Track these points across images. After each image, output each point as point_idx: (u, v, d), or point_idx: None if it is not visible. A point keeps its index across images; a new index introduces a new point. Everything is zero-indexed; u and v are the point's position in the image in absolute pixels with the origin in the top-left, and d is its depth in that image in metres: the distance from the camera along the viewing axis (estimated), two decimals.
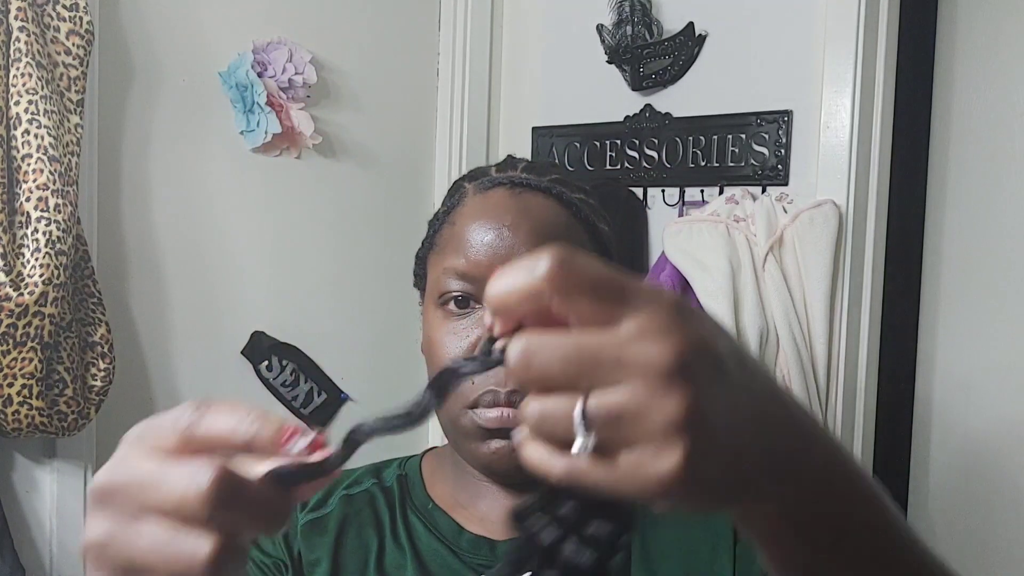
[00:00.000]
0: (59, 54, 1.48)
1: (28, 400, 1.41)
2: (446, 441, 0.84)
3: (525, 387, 0.39)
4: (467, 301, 0.77)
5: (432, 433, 2.04)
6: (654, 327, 0.37)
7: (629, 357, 0.37)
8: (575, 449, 0.37)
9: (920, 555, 0.48)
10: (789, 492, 0.42)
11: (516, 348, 0.38)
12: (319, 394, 1.93)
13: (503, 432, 0.74)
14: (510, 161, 0.85)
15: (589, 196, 0.84)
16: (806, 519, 0.43)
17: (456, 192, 0.84)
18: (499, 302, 0.40)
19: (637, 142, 1.95)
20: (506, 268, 0.40)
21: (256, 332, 1.85)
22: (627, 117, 1.96)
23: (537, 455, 0.39)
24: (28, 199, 1.41)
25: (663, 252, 1.76)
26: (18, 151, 1.42)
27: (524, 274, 0.39)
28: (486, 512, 0.81)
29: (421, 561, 0.79)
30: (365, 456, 0.90)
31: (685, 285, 1.71)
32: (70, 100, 1.49)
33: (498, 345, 0.40)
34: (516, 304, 0.39)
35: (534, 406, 0.38)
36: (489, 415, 0.74)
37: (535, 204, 0.78)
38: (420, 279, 0.86)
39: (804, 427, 0.43)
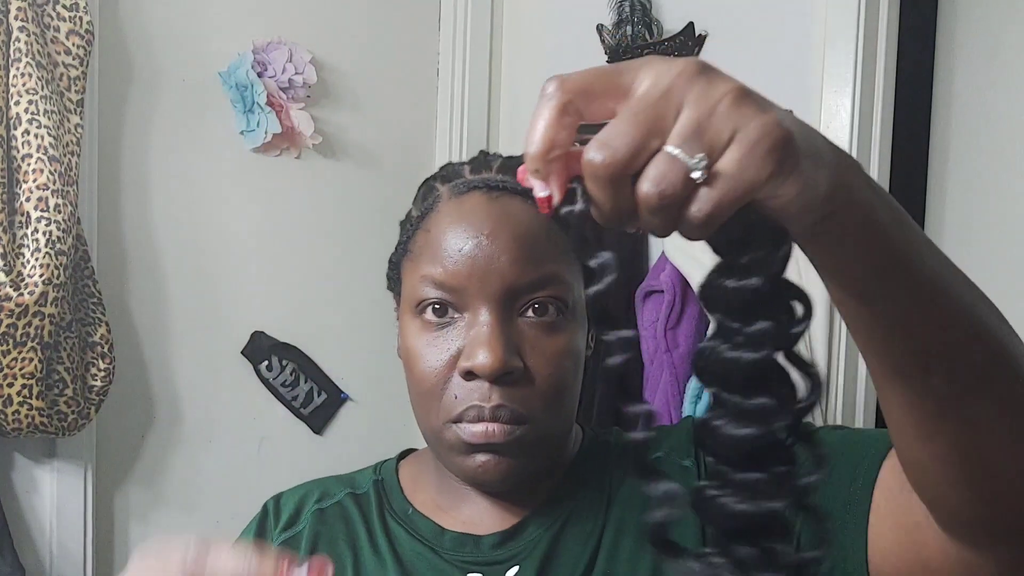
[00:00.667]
0: (59, 54, 1.48)
1: (28, 400, 1.41)
2: (425, 444, 0.83)
3: (625, 170, 0.41)
4: (445, 309, 0.75)
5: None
6: (659, 66, 0.42)
7: (668, 87, 0.41)
8: (696, 176, 0.40)
9: (965, 285, 0.52)
10: (856, 177, 0.46)
11: (592, 148, 0.42)
12: (319, 394, 1.93)
13: (488, 447, 0.73)
14: (483, 160, 0.82)
15: None
16: (872, 208, 0.47)
17: (429, 195, 0.80)
18: (544, 146, 0.43)
19: None
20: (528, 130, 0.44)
21: (256, 332, 1.85)
22: None
23: (683, 227, 0.43)
24: (28, 199, 1.41)
25: (663, 252, 1.76)
26: (18, 151, 1.42)
27: (543, 110, 0.43)
28: (470, 515, 0.80)
29: (402, 565, 0.78)
30: (358, 459, 0.89)
31: (685, 285, 1.71)
32: (70, 100, 1.49)
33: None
34: (557, 139, 0.43)
35: (645, 185, 0.41)
36: (474, 430, 0.73)
37: (513, 209, 0.75)
38: (395, 283, 0.84)
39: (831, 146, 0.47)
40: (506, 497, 0.80)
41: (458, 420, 0.74)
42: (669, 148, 0.41)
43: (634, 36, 1.88)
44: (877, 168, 1.67)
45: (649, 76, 0.42)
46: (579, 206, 0.43)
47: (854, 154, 1.65)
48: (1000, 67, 1.69)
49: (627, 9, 1.88)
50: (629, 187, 0.42)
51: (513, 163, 0.80)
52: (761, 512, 0.46)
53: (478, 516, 0.80)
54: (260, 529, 0.85)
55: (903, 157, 1.72)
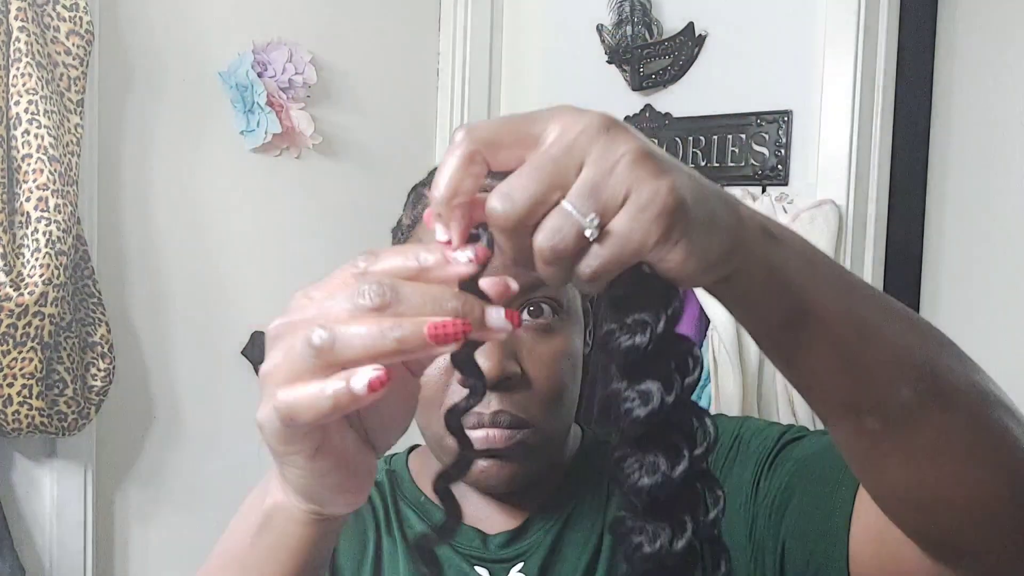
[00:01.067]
0: (59, 54, 1.48)
1: (28, 400, 1.42)
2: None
3: (523, 221, 0.42)
4: None
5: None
6: (567, 119, 0.43)
7: (571, 143, 0.42)
8: (588, 234, 0.42)
9: (890, 300, 0.53)
10: (754, 236, 0.47)
11: (494, 198, 0.42)
12: None
13: (489, 452, 0.73)
14: None
15: None
16: (776, 264, 0.47)
17: (419, 203, 0.81)
18: (448, 192, 0.43)
19: None
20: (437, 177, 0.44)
21: (256, 332, 1.85)
22: (627, 117, 1.96)
23: (575, 281, 0.44)
24: (28, 199, 1.41)
25: None
26: (18, 151, 1.42)
27: (450, 157, 0.43)
28: (475, 513, 0.81)
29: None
30: None
31: None
32: (70, 100, 1.49)
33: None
34: (461, 186, 0.43)
35: (540, 236, 0.42)
36: (474, 436, 0.73)
37: None
38: None
39: (731, 197, 0.47)
40: (508, 498, 0.80)
41: None
42: (566, 204, 0.42)
43: (634, 36, 1.88)
44: (877, 167, 1.68)
45: (555, 129, 0.43)
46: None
47: (854, 155, 1.65)
48: (1000, 67, 1.69)
49: (627, 9, 1.88)
50: (529, 236, 0.43)
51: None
52: (668, 555, 0.48)
53: (483, 513, 0.81)
54: None
55: (903, 157, 1.72)
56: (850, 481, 0.65)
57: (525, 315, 0.75)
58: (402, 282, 0.43)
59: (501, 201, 0.42)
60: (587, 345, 0.82)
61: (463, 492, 0.82)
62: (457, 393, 0.74)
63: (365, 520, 0.82)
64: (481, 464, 0.74)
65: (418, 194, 0.82)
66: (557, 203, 0.42)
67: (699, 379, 0.47)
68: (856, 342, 0.49)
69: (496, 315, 0.43)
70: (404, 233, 0.81)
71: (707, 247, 0.43)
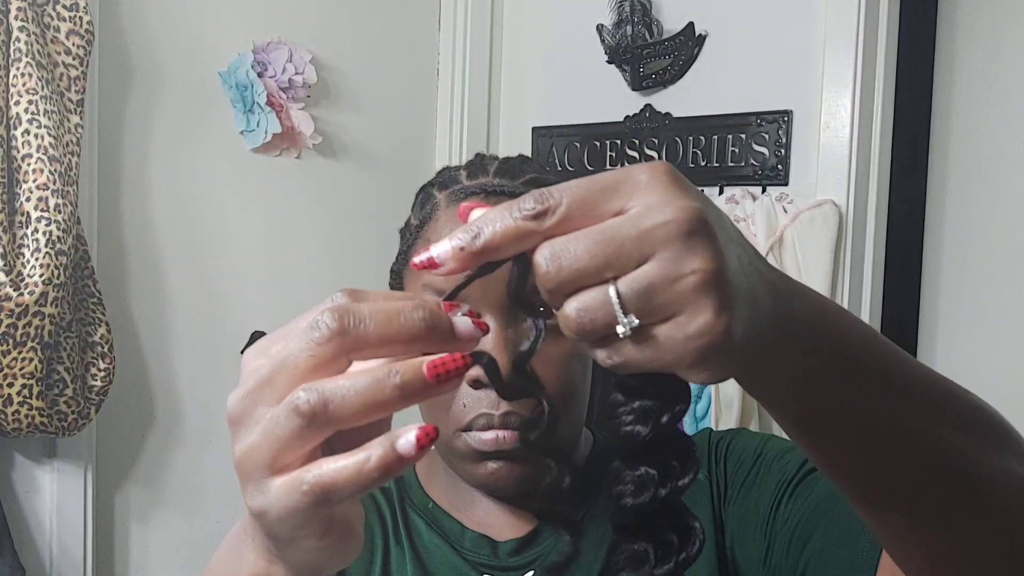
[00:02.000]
0: (59, 54, 1.48)
1: (28, 400, 1.41)
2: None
3: (561, 288, 0.40)
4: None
5: None
6: (662, 198, 0.39)
7: (648, 229, 0.38)
8: (620, 331, 0.39)
9: (934, 385, 0.49)
10: (798, 336, 0.43)
11: (544, 254, 0.39)
12: None
13: (499, 454, 0.73)
14: (480, 163, 0.80)
15: None
16: (801, 372, 0.44)
17: (427, 203, 0.79)
18: (489, 245, 0.40)
19: (637, 142, 1.95)
20: (477, 214, 0.41)
21: (256, 332, 1.85)
22: (627, 117, 1.96)
23: (591, 352, 0.41)
24: (28, 199, 1.41)
25: None
26: (18, 151, 1.42)
27: (507, 217, 0.40)
28: (483, 518, 0.80)
29: (421, 559, 0.79)
30: None
31: None
32: (70, 100, 1.49)
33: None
34: (505, 247, 0.40)
35: (571, 305, 0.39)
36: (484, 437, 0.72)
37: None
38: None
39: (788, 278, 0.45)
40: (518, 503, 0.80)
41: (468, 428, 0.73)
42: (611, 291, 0.39)
43: (634, 36, 1.88)
44: (877, 168, 1.67)
45: (639, 205, 0.39)
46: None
47: (854, 155, 1.65)
48: (1000, 67, 1.69)
49: (627, 9, 1.88)
50: (563, 295, 0.40)
51: (510, 165, 0.79)
52: None
53: (492, 519, 0.80)
54: None
55: (903, 157, 1.72)
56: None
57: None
58: (356, 304, 0.39)
59: (548, 263, 0.39)
60: None
61: (472, 498, 0.81)
62: (466, 395, 0.74)
63: (372, 527, 0.81)
64: (491, 466, 0.73)
65: (426, 194, 0.80)
66: (605, 281, 0.39)
67: (691, 482, 0.46)
68: (885, 445, 0.46)
69: (465, 326, 0.41)
70: (412, 234, 0.80)
71: (728, 371, 0.41)
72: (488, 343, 0.72)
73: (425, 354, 0.40)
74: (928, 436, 0.47)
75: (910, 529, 0.48)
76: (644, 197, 0.39)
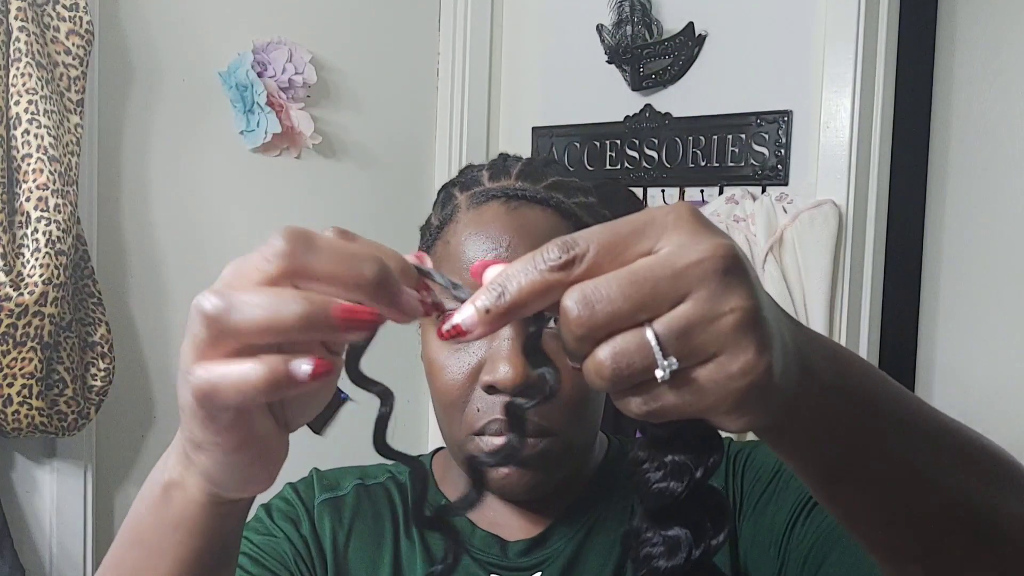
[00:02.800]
0: (59, 54, 1.48)
1: (28, 400, 1.41)
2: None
3: (592, 333, 0.38)
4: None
5: (432, 435, 2.04)
6: (692, 237, 0.38)
7: (683, 268, 0.37)
8: (660, 375, 0.37)
9: (953, 432, 0.48)
10: (820, 380, 0.42)
11: (573, 297, 0.38)
12: None
13: (511, 460, 0.73)
14: (502, 165, 0.80)
15: (588, 195, 0.80)
16: (824, 422, 0.43)
17: (448, 203, 0.79)
18: (516, 303, 0.39)
19: (637, 142, 1.95)
20: (500, 269, 0.40)
21: None
22: (627, 117, 1.96)
23: (621, 402, 0.39)
24: (28, 199, 1.41)
25: None
26: (18, 151, 1.42)
27: (532, 271, 0.38)
28: (495, 518, 0.80)
29: (431, 555, 0.79)
30: (358, 460, 0.90)
31: None
32: (70, 100, 1.49)
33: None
34: (533, 302, 0.39)
35: (604, 351, 0.38)
36: (496, 443, 0.72)
37: (532, 219, 0.74)
38: None
39: (801, 324, 0.44)
40: (529, 505, 0.79)
41: (481, 433, 0.73)
42: (649, 333, 0.37)
43: (634, 36, 1.88)
44: (877, 168, 1.67)
45: (669, 245, 0.38)
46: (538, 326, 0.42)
47: (854, 155, 1.65)
48: (1000, 67, 1.69)
49: (627, 9, 1.88)
50: (591, 342, 0.38)
51: (533, 168, 0.79)
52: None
53: (504, 519, 0.80)
54: (306, 491, 0.85)
55: (903, 157, 1.72)
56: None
57: (551, 324, 0.74)
58: (316, 235, 0.39)
59: (579, 306, 0.37)
60: None
61: (486, 499, 0.81)
62: (480, 399, 0.73)
63: (383, 521, 0.81)
64: (503, 471, 0.73)
65: (448, 194, 0.80)
66: (640, 324, 0.37)
67: (725, 541, 0.44)
68: (906, 494, 0.45)
69: (409, 300, 0.41)
70: (433, 234, 0.79)
71: (765, 416, 0.40)
72: (503, 351, 0.71)
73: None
74: (949, 484, 0.46)
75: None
76: (673, 237, 0.38)
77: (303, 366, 0.38)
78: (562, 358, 0.72)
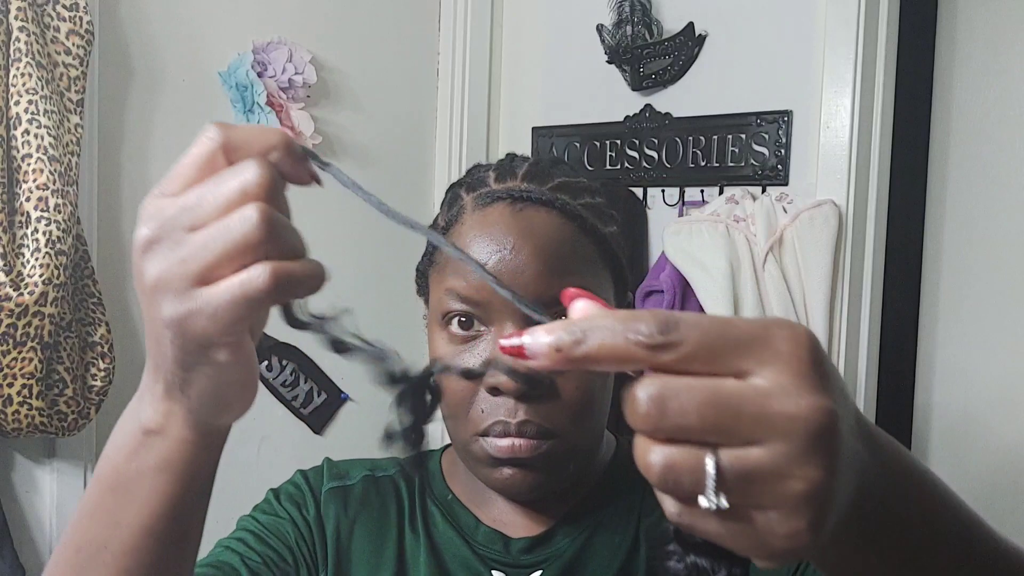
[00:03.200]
0: (59, 54, 1.48)
1: (28, 400, 1.41)
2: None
3: (653, 433, 0.36)
4: (471, 322, 0.75)
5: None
6: (798, 383, 0.35)
7: (774, 413, 0.35)
8: (704, 504, 0.35)
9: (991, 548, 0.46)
10: (870, 535, 0.41)
11: (649, 392, 0.35)
12: (319, 394, 1.92)
13: (514, 461, 0.73)
14: (508, 165, 0.80)
15: (596, 195, 0.80)
16: (875, 560, 0.42)
17: (454, 204, 0.79)
18: (590, 356, 0.37)
19: (637, 142, 1.95)
20: (592, 320, 0.37)
21: None
22: (627, 117, 1.96)
23: (664, 503, 0.38)
24: (28, 199, 1.41)
25: (663, 252, 1.76)
26: (18, 151, 1.42)
27: (619, 333, 0.36)
28: (500, 515, 0.81)
29: (435, 549, 0.79)
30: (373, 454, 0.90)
31: (685, 285, 1.71)
32: (70, 100, 1.49)
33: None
34: (606, 363, 0.37)
35: (658, 455, 0.36)
36: (500, 444, 0.72)
37: (538, 221, 0.74)
38: (423, 291, 0.84)
39: (898, 477, 0.42)
40: (533, 505, 0.80)
41: (485, 434, 0.73)
42: (709, 462, 0.35)
43: (634, 36, 1.88)
44: (877, 168, 1.68)
45: (772, 380, 0.35)
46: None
47: (854, 155, 1.65)
48: (1000, 67, 1.69)
49: (627, 9, 1.88)
50: (654, 440, 0.36)
51: (540, 168, 0.78)
52: None
53: (509, 517, 0.81)
54: (315, 478, 0.86)
55: (903, 157, 1.72)
56: None
57: None
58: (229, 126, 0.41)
59: (651, 403, 0.35)
60: None
61: (491, 496, 0.81)
62: (484, 400, 0.73)
63: (389, 513, 0.82)
64: (506, 472, 0.73)
65: (454, 194, 0.80)
66: (705, 444, 0.35)
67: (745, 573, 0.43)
68: None
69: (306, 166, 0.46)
70: (442, 234, 0.80)
71: (807, 556, 0.38)
72: (476, 365, 0.72)
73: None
74: None
75: None
76: (778, 373, 0.35)
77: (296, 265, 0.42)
78: (569, 380, 0.72)
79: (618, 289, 0.79)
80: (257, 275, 0.42)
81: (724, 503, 0.35)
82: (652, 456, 0.36)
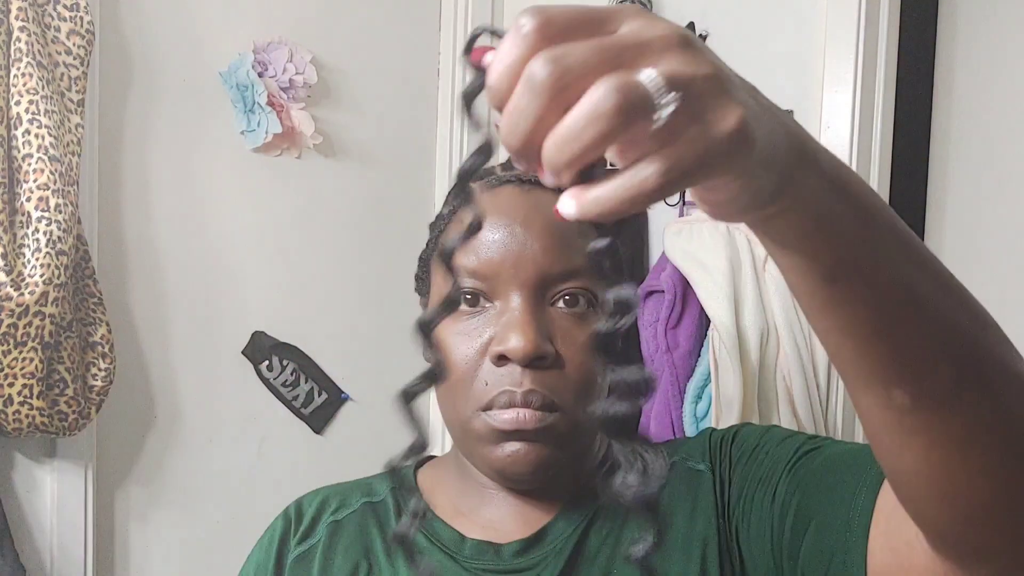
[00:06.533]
0: (60, 54, 1.48)
1: (28, 400, 1.42)
2: (446, 451, 0.83)
3: (546, 100, 0.38)
4: (477, 299, 0.76)
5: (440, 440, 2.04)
6: (650, 22, 0.39)
7: (647, 40, 0.38)
8: (656, 116, 0.37)
9: (943, 267, 0.50)
10: (820, 170, 0.44)
11: (535, 65, 0.38)
12: (319, 394, 1.93)
13: (519, 434, 0.73)
14: (511, 167, 0.82)
15: None
16: (827, 211, 0.45)
17: (462, 192, 0.81)
18: (499, 81, 0.39)
19: None
20: (494, 51, 0.40)
21: (256, 332, 1.85)
22: None
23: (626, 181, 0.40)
24: (29, 199, 1.41)
25: (663, 252, 1.76)
26: (19, 151, 1.42)
27: (513, 44, 0.39)
28: (490, 519, 0.80)
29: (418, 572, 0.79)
30: (359, 459, 0.90)
31: (685, 285, 1.71)
32: (71, 100, 1.49)
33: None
34: (515, 75, 0.39)
35: (599, 88, 0.37)
36: (504, 416, 0.72)
37: (546, 201, 0.76)
38: (423, 283, 0.85)
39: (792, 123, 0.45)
40: (530, 497, 0.79)
41: (488, 407, 0.73)
42: (643, 74, 0.37)
43: None
44: (878, 168, 1.67)
45: (631, 26, 0.39)
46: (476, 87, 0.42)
47: (855, 155, 1.65)
48: (1001, 67, 1.69)
49: None
50: (551, 117, 0.38)
51: None
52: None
53: (500, 520, 0.79)
54: (284, 535, 0.85)
55: (903, 157, 1.72)
56: (869, 493, 0.62)
57: (561, 304, 0.75)
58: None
59: (545, 64, 0.37)
60: None
61: (482, 499, 0.80)
62: (488, 372, 0.74)
63: (354, 554, 0.80)
64: (509, 447, 0.73)
65: (462, 184, 0.82)
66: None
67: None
68: (901, 308, 0.47)
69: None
70: (445, 219, 0.82)
71: (762, 184, 0.41)
72: (514, 322, 0.72)
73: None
74: (940, 309, 0.48)
75: (913, 410, 0.48)
76: (631, 22, 0.39)
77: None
78: (570, 336, 0.73)
79: None
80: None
81: (676, 99, 0.37)
82: (596, 90, 0.37)
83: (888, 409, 0.49)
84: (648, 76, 0.37)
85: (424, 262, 0.84)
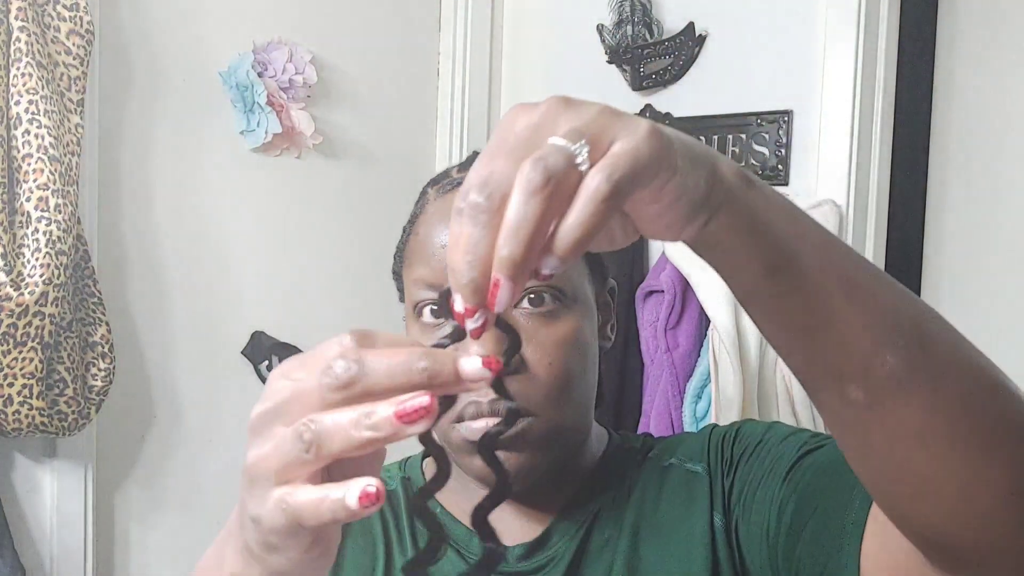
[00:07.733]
0: (59, 54, 1.48)
1: (28, 400, 1.42)
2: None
3: (491, 216, 0.41)
4: (442, 311, 0.74)
5: None
6: (524, 108, 0.43)
7: (537, 123, 0.42)
8: (579, 161, 0.41)
9: (867, 273, 0.51)
10: (733, 176, 0.46)
11: (471, 195, 0.41)
12: None
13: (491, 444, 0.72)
14: (472, 160, 0.77)
15: None
16: (756, 205, 0.47)
17: (420, 199, 0.80)
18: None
19: None
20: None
21: (256, 332, 1.85)
22: None
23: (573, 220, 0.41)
24: (28, 199, 1.41)
25: (663, 252, 1.76)
26: (19, 151, 1.42)
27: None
28: (492, 522, 0.80)
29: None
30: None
31: (685, 285, 1.71)
32: (70, 100, 1.49)
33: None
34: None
35: (526, 166, 0.40)
36: (474, 427, 0.71)
37: None
38: (401, 294, 0.85)
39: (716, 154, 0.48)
40: (526, 500, 0.79)
41: (460, 419, 0.72)
42: (552, 140, 0.41)
43: (634, 36, 1.88)
44: (878, 168, 1.68)
45: (518, 119, 0.43)
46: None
47: (855, 155, 1.65)
48: (1000, 66, 1.69)
49: (627, 9, 1.88)
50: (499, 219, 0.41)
51: None
52: None
53: (501, 522, 0.78)
54: None
55: (903, 157, 1.72)
56: (863, 498, 0.62)
57: (525, 303, 0.73)
58: (368, 352, 0.41)
59: (479, 190, 0.41)
60: (608, 340, 0.80)
61: (477, 500, 0.80)
62: (465, 398, 0.73)
63: (375, 533, 0.80)
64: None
65: (422, 192, 0.81)
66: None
67: None
68: (840, 296, 0.48)
69: (471, 366, 0.42)
70: (406, 231, 0.80)
71: (695, 184, 0.44)
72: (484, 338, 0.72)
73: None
74: (877, 294, 0.49)
75: (869, 405, 0.49)
76: (512, 116, 0.43)
77: (353, 495, 0.40)
78: (536, 338, 0.72)
79: (595, 274, 0.79)
80: (348, 496, 0.41)
81: (585, 148, 0.41)
82: (524, 168, 0.40)
83: (846, 407, 0.49)
84: (554, 140, 0.41)
85: (397, 275, 0.84)
